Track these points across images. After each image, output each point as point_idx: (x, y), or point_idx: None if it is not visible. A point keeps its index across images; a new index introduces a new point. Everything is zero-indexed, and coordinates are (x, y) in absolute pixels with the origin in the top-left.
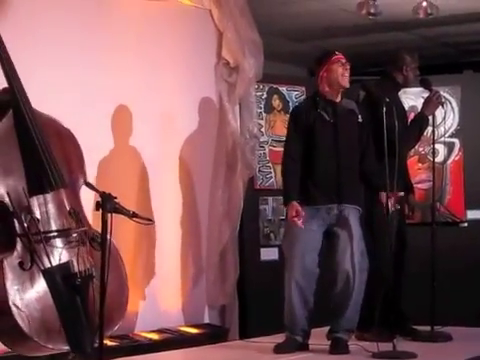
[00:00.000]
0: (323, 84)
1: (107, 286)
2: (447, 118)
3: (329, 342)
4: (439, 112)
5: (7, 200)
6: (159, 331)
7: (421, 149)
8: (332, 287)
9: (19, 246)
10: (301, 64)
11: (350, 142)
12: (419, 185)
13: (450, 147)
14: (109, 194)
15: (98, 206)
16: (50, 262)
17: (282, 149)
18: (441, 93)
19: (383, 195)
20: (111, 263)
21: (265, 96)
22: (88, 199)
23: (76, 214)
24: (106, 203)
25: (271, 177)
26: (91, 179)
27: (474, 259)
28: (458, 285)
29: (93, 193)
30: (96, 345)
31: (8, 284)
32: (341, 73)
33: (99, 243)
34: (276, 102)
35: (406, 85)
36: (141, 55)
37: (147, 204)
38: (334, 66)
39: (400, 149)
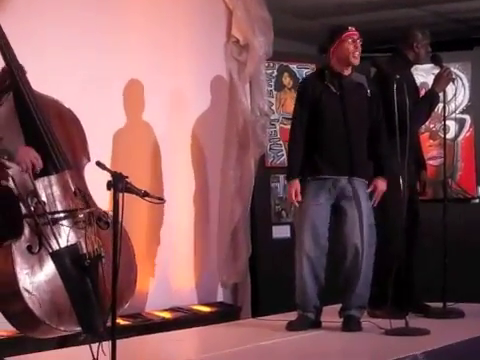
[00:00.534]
0: (333, 58)
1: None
2: (458, 94)
3: (341, 319)
4: (450, 88)
5: (12, 184)
6: (171, 310)
7: (432, 126)
8: (342, 262)
9: (27, 230)
10: (311, 41)
11: (358, 115)
12: (430, 162)
13: (461, 123)
14: (120, 174)
15: (109, 186)
16: (58, 244)
17: None
18: (452, 69)
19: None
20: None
21: (275, 74)
22: (99, 179)
23: (82, 194)
24: (117, 183)
25: (282, 155)
26: (102, 158)
27: None
28: (470, 261)
29: (104, 172)
30: (108, 324)
31: (17, 268)
32: (352, 51)
33: (106, 222)
34: (286, 80)
35: (417, 62)
36: (151, 35)
37: (159, 183)
38: (345, 44)
39: (411, 126)
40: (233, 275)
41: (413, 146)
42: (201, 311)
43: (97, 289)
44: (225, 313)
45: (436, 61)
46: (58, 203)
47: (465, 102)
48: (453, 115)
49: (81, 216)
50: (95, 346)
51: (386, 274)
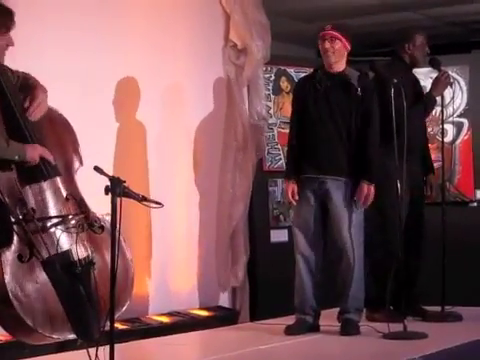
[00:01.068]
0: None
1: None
2: (455, 98)
3: (340, 323)
4: (447, 92)
5: None
6: (170, 314)
7: (430, 129)
8: (335, 264)
9: (16, 239)
10: (309, 45)
11: (342, 113)
12: None
13: (459, 127)
14: (118, 178)
15: (107, 190)
16: (49, 252)
17: None
18: (450, 73)
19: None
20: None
21: (273, 78)
22: (97, 182)
23: (74, 200)
24: (115, 187)
25: (280, 159)
26: (99, 160)
27: None
28: (468, 265)
29: (102, 176)
30: (105, 329)
31: (8, 278)
32: (324, 50)
33: (100, 226)
34: (284, 84)
35: (415, 65)
36: (149, 38)
37: (156, 186)
38: (321, 44)
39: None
40: (231, 279)
41: (417, 149)
42: (200, 315)
43: (91, 295)
44: (224, 317)
45: (434, 64)
46: (49, 209)
47: (463, 106)
48: (451, 119)
49: (73, 222)
50: (93, 351)
51: (384, 277)
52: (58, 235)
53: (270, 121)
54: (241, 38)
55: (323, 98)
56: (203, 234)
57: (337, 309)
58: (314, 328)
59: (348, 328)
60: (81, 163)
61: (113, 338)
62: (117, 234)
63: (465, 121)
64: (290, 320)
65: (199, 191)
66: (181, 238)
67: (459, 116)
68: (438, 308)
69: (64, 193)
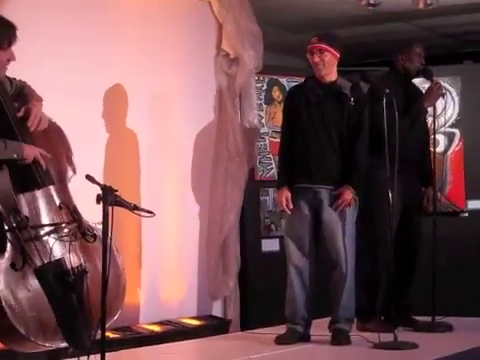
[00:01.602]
0: None
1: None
2: (447, 108)
3: (330, 333)
4: (439, 102)
5: None
6: (161, 323)
7: None
8: (327, 273)
9: (9, 247)
10: (301, 55)
11: (334, 123)
12: None
13: (450, 137)
14: (110, 187)
15: (99, 199)
16: (42, 260)
17: None
18: (441, 83)
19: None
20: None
21: (265, 87)
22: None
23: (67, 208)
24: (107, 196)
25: (272, 168)
26: (90, 169)
27: (475, 249)
28: (459, 275)
29: (93, 185)
30: (96, 338)
31: (1, 286)
32: (314, 64)
33: (92, 235)
34: (276, 93)
35: (408, 75)
36: (141, 47)
37: (147, 195)
38: (309, 56)
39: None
40: (223, 288)
41: (412, 160)
42: (191, 324)
43: (83, 304)
44: (215, 326)
45: (426, 75)
46: (42, 218)
47: (454, 116)
48: (442, 129)
49: (65, 230)
50: (84, 359)
51: (374, 287)
52: (51, 243)
53: (262, 130)
54: (233, 47)
55: (316, 108)
56: (194, 243)
57: (328, 319)
58: (305, 338)
59: (339, 338)
60: (74, 172)
61: (104, 347)
62: (109, 242)
63: (457, 131)
64: (281, 330)
65: (190, 200)
66: (172, 247)
67: (451, 126)
68: (429, 318)
69: (57, 201)
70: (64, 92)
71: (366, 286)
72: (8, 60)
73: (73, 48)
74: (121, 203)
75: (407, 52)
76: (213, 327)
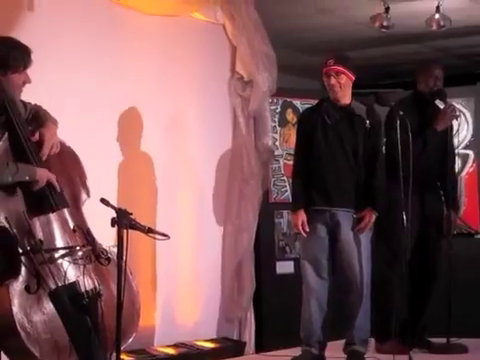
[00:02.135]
0: None
1: (116, 300)
2: (461, 130)
3: (345, 355)
4: (453, 124)
5: (7, 225)
6: (176, 345)
7: None
8: (342, 295)
9: (24, 270)
10: (315, 77)
11: (351, 146)
12: None
13: (464, 159)
14: (124, 210)
15: (114, 223)
16: (56, 283)
17: None
18: (455, 105)
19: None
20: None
21: (279, 110)
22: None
23: (81, 231)
24: (122, 219)
25: (286, 190)
26: (103, 191)
27: None
28: (474, 296)
29: (107, 208)
30: None
31: (15, 309)
32: (329, 86)
33: (107, 258)
34: (290, 115)
35: (423, 97)
36: (155, 70)
37: (162, 216)
38: (325, 79)
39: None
40: (237, 310)
41: (431, 182)
42: (206, 347)
43: (97, 327)
44: (229, 348)
45: (441, 97)
46: (56, 241)
47: (468, 137)
48: (456, 150)
49: (80, 253)
50: None
51: (389, 308)
52: (65, 267)
53: (276, 153)
54: (247, 70)
55: (332, 130)
56: (209, 265)
57: (343, 341)
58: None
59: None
60: (88, 195)
61: None
62: (124, 266)
63: (471, 153)
64: (296, 351)
65: (205, 222)
66: (187, 269)
67: (465, 148)
68: (444, 340)
69: (71, 224)
70: (79, 112)
71: (381, 307)
72: (24, 82)
73: (87, 70)
74: (136, 226)
75: (425, 74)
76: (228, 349)
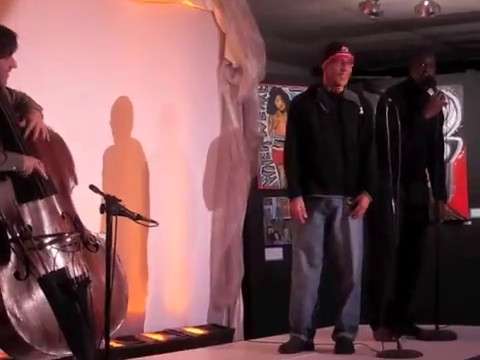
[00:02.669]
0: (324, 75)
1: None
2: (450, 117)
3: (334, 342)
4: (443, 112)
5: None
6: (164, 332)
7: None
8: (334, 282)
9: (13, 256)
10: (304, 64)
11: (349, 133)
12: None
13: (453, 146)
14: (114, 197)
15: (103, 209)
16: (45, 269)
17: None
18: (444, 92)
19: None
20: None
21: (268, 96)
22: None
23: (69, 218)
24: (111, 206)
25: (275, 177)
26: (92, 177)
27: (478, 257)
28: (462, 283)
29: (93, 194)
30: (100, 347)
31: (5, 296)
32: (339, 73)
33: (95, 245)
34: (279, 102)
35: (415, 84)
36: (144, 57)
37: (150, 204)
38: (334, 64)
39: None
40: (226, 297)
41: (418, 171)
42: (194, 333)
43: (86, 313)
44: (218, 335)
45: (430, 84)
46: (45, 228)
47: (457, 125)
48: (445, 137)
49: (68, 240)
50: None
51: (378, 295)
52: (54, 253)
53: (265, 139)
54: (236, 57)
55: (329, 118)
56: (198, 252)
57: (332, 327)
58: (309, 347)
59: (342, 347)
60: (76, 182)
61: (108, 356)
62: (112, 252)
63: (460, 140)
64: (285, 338)
65: (194, 209)
66: (176, 256)
67: (453, 135)
68: (432, 327)
69: (60, 211)
70: (67, 102)
71: (370, 295)
72: (10, 67)
73: (76, 57)
74: (124, 213)
75: (416, 62)
76: (217, 336)
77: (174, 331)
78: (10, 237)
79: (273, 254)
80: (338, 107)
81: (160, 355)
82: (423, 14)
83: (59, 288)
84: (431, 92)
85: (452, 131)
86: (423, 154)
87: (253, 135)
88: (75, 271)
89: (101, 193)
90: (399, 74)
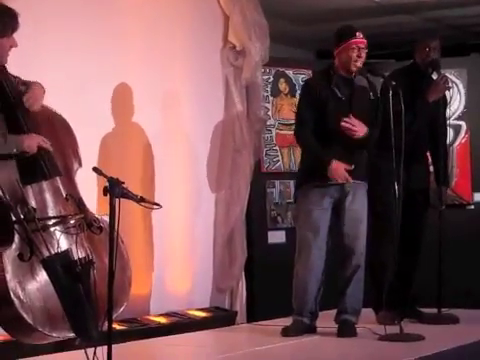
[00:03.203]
0: (337, 60)
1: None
2: (453, 101)
3: (337, 325)
4: (447, 96)
5: (0, 193)
6: (167, 315)
7: None
8: (339, 264)
9: (17, 237)
10: (308, 47)
11: (362, 120)
12: None
13: (456, 130)
14: (117, 179)
15: (106, 191)
16: (49, 251)
17: (289, 132)
18: (448, 76)
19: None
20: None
21: (272, 79)
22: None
23: (73, 200)
24: (114, 188)
25: (278, 160)
26: (95, 161)
27: None
28: (465, 267)
29: (94, 177)
30: (103, 329)
31: (8, 277)
32: (354, 59)
33: (98, 227)
34: (283, 85)
35: (420, 68)
36: (147, 39)
37: (153, 187)
38: (349, 51)
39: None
40: (229, 280)
41: (419, 154)
42: (197, 316)
43: (89, 295)
44: (221, 318)
45: (434, 67)
46: (49, 209)
47: (461, 108)
48: (448, 121)
49: (72, 222)
50: (91, 351)
51: (380, 278)
52: (58, 234)
53: (268, 123)
54: (240, 39)
55: (344, 104)
56: (201, 235)
57: (334, 310)
58: (311, 330)
59: (345, 330)
60: (80, 164)
61: (111, 338)
62: (115, 235)
63: (463, 124)
64: (287, 321)
65: (197, 192)
66: (179, 239)
67: (457, 119)
68: (434, 310)
69: (64, 193)
70: (70, 86)
71: (373, 278)
72: (10, 46)
73: (78, 41)
74: (128, 195)
75: (420, 45)
76: (219, 319)
77: (177, 314)
78: (14, 219)
79: (276, 237)
80: (351, 93)
81: (162, 337)
82: None
83: (62, 270)
84: (435, 76)
85: (455, 115)
86: (425, 137)
87: (256, 118)
88: (79, 253)
89: (105, 175)
90: (402, 58)
